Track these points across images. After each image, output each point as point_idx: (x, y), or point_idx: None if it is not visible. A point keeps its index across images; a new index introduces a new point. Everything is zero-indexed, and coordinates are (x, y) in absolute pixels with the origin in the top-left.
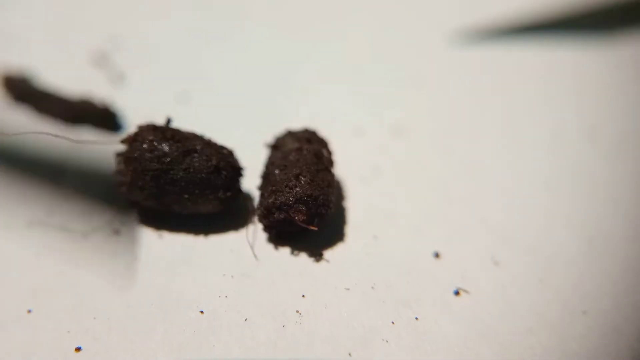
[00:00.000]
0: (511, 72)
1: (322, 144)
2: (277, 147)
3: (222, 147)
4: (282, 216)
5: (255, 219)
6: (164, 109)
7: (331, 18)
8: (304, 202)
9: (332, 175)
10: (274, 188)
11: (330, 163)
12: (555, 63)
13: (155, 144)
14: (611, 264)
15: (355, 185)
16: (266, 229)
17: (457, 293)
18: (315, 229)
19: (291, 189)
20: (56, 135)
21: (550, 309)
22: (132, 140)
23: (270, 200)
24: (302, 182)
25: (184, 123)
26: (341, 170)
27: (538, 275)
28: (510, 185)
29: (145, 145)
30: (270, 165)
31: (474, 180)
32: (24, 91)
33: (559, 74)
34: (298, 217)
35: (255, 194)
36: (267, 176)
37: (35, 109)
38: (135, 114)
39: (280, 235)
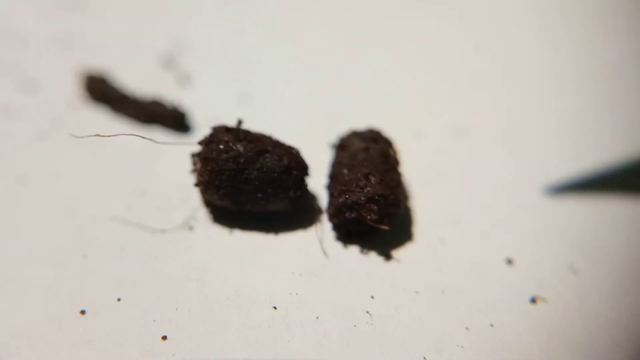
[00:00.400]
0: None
1: (388, 143)
2: (343, 147)
3: (290, 147)
4: (353, 215)
5: (323, 217)
6: (228, 110)
7: (390, 18)
8: (375, 202)
9: (399, 175)
10: (344, 188)
11: (396, 162)
12: None
13: (231, 144)
14: None
15: (418, 187)
16: (336, 228)
17: (533, 301)
18: (387, 228)
19: (362, 188)
20: (143, 137)
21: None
22: (208, 142)
23: (341, 200)
24: (373, 181)
25: (247, 123)
26: (403, 171)
27: (623, 285)
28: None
29: (221, 146)
30: (337, 164)
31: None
32: (103, 92)
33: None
34: (370, 217)
35: (320, 193)
36: (335, 176)
37: (112, 109)
38: (201, 115)
39: (349, 234)
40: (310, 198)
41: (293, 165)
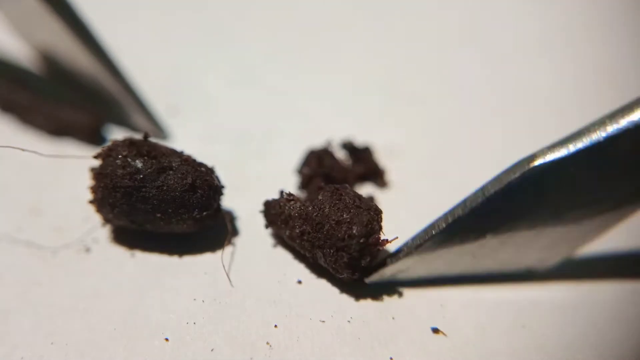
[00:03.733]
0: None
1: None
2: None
3: (200, 165)
4: (368, 258)
5: (234, 239)
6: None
7: (324, 35)
8: (372, 232)
9: (353, 190)
10: (334, 239)
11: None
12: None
13: (129, 159)
14: (598, 313)
15: None
16: (359, 277)
17: (435, 331)
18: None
19: (350, 229)
20: (23, 150)
21: (530, 357)
22: (105, 156)
23: (352, 251)
24: (354, 216)
25: (173, 137)
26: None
27: (521, 320)
28: None
29: (118, 162)
30: (305, 229)
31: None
32: (11, 100)
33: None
34: (381, 243)
35: (237, 212)
36: (315, 240)
37: (20, 119)
38: (123, 127)
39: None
40: (224, 218)
41: (199, 184)
